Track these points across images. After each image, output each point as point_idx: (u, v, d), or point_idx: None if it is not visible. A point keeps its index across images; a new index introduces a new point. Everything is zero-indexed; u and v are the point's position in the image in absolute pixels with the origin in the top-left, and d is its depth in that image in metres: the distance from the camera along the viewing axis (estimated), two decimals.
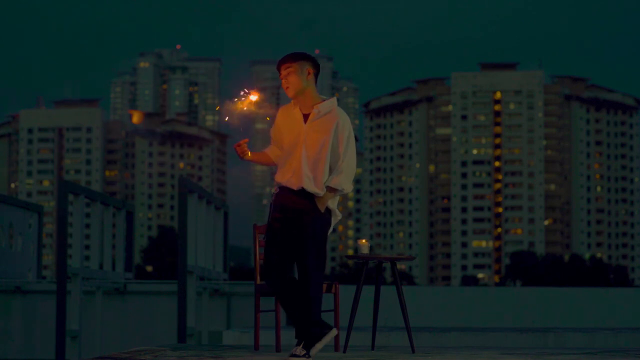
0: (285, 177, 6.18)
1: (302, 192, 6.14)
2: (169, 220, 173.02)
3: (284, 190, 6.22)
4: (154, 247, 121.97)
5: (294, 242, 6.12)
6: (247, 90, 6.35)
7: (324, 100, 6.20)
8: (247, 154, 6.37)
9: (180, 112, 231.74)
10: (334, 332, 6.13)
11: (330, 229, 6.28)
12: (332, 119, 6.14)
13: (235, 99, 6.33)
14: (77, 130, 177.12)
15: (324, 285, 6.81)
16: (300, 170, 6.12)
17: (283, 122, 6.27)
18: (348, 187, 6.16)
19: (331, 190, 6.14)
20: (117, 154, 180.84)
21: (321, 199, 6.13)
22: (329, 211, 6.22)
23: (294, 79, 6.15)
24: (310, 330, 6.07)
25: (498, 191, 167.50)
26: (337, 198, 6.25)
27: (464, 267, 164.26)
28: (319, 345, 6.09)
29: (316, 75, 6.22)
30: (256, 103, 6.34)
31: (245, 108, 6.32)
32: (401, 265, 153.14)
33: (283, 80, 6.22)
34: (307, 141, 6.13)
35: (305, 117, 6.18)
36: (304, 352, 6.06)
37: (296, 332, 6.18)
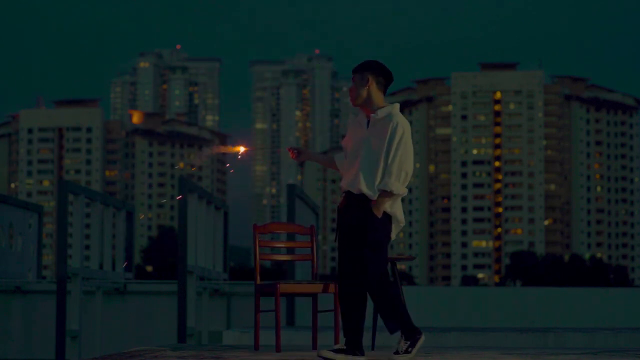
0: (347, 182, 6.32)
1: (362, 196, 6.24)
2: (169, 221, 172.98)
3: (348, 195, 6.33)
4: (154, 247, 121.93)
5: (359, 246, 6.24)
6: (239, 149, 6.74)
7: (386, 106, 6.33)
8: (302, 155, 6.62)
9: (180, 112, 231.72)
10: (422, 339, 6.30)
11: (393, 235, 6.33)
12: (389, 121, 6.25)
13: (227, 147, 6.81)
14: (77, 130, 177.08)
15: (326, 285, 6.80)
16: (359, 175, 6.23)
17: (351, 131, 6.43)
18: (398, 189, 6.17)
19: (384, 193, 6.18)
20: (117, 154, 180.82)
21: (377, 204, 6.19)
22: (388, 217, 6.26)
23: (353, 90, 6.36)
24: (406, 330, 6.22)
25: (498, 191, 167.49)
26: (399, 203, 6.29)
27: (464, 267, 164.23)
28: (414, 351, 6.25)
29: (382, 83, 6.33)
30: (241, 153, 6.72)
31: (229, 151, 6.76)
32: (401, 265, 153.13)
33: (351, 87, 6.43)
34: (366, 146, 6.25)
35: (369, 122, 6.32)
36: (407, 344, 6.21)
37: (346, 342, 6.28)
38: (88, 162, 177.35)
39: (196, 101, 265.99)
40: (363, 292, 6.26)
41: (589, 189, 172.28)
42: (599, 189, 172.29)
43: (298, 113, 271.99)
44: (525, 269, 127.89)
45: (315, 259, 7.39)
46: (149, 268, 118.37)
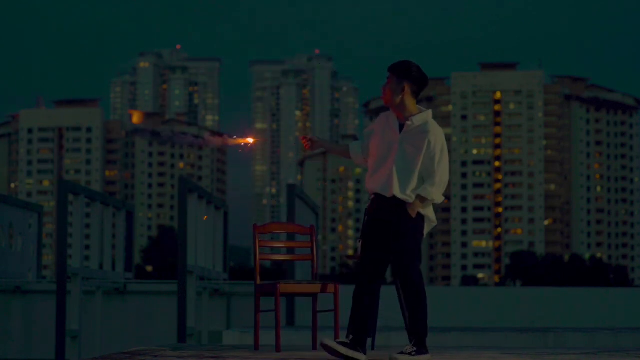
0: (378, 185, 6.37)
1: (394, 199, 6.31)
2: (169, 221, 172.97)
3: (377, 197, 6.39)
4: (154, 247, 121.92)
5: (388, 247, 6.31)
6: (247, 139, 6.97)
7: (420, 112, 6.37)
8: (315, 145, 6.70)
9: (180, 112, 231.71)
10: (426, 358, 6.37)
11: (425, 235, 6.44)
12: (425, 132, 6.31)
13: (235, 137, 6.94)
14: (77, 130, 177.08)
15: (326, 285, 6.79)
16: (392, 178, 6.30)
17: (379, 128, 6.46)
18: (439, 199, 6.33)
19: (422, 199, 6.31)
20: (117, 154, 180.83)
21: (412, 205, 6.29)
22: (422, 217, 6.37)
23: (387, 90, 6.38)
24: (419, 333, 6.31)
25: (498, 191, 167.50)
26: (431, 205, 6.41)
27: (464, 267, 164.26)
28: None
29: (416, 91, 6.37)
30: (250, 144, 6.91)
31: (240, 142, 6.94)
32: None
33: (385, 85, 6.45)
34: (400, 151, 6.32)
35: (401, 127, 6.36)
36: (415, 349, 6.28)
37: (351, 336, 6.33)
38: (88, 162, 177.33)
39: (196, 101, 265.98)
40: (377, 293, 6.39)
41: (589, 189, 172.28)
42: (599, 189, 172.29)
43: (298, 113, 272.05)
44: (525, 269, 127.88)
45: (315, 259, 7.39)
46: (149, 268, 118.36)
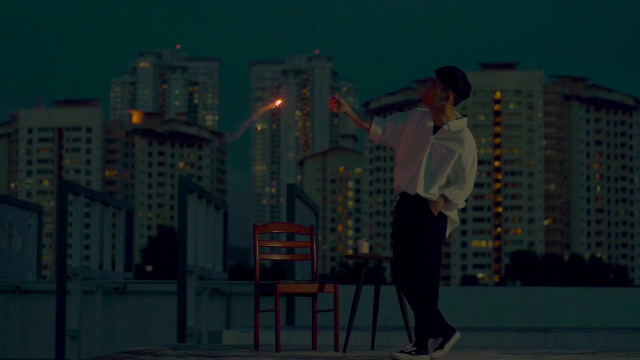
0: (404, 182, 6.47)
1: (417, 197, 6.41)
2: (169, 220, 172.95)
3: (404, 196, 6.48)
4: (154, 247, 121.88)
5: (414, 246, 6.39)
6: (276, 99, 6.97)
7: (457, 119, 6.47)
8: (341, 107, 6.74)
9: (180, 112, 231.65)
10: (456, 336, 6.51)
11: (447, 234, 6.52)
12: (460, 140, 6.43)
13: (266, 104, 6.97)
14: (77, 130, 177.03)
15: (326, 285, 6.77)
16: (418, 177, 6.40)
17: (413, 123, 6.52)
18: (462, 203, 6.46)
19: (445, 199, 6.42)
20: (117, 154, 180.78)
21: (435, 203, 6.39)
22: (444, 217, 6.46)
23: (432, 94, 6.44)
24: (422, 332, 6.32)
25: (498, 191, 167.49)
26: (455, 207, 6.50)
27: (464, 267, 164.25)
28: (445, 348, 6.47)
29: (459, 100, 6.45)
30: (277, 107, 6.94)
31: (271, 108, 6.94)
32: None
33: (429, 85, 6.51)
34: (431, 152, 6.41)
35: (436, 129, 6.45)
36: (415, 349, 6.30)
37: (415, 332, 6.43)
38: (88, 162, 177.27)
39: (196, 101, 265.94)
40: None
41: (589, 189, 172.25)
42: (599, 189, 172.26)
43: (298, 113, 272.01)
44: (525, 269, 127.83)
45: (315, 259, 7.39)
46: (149, 268, 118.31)
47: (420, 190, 6.37)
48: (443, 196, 6.38)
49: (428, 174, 6.39)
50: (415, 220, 6.37)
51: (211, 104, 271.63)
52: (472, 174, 6.43)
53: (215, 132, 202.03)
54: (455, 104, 6.44)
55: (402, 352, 6.27)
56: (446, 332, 6.48)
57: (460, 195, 6.40)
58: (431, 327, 6.31)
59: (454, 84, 6.38)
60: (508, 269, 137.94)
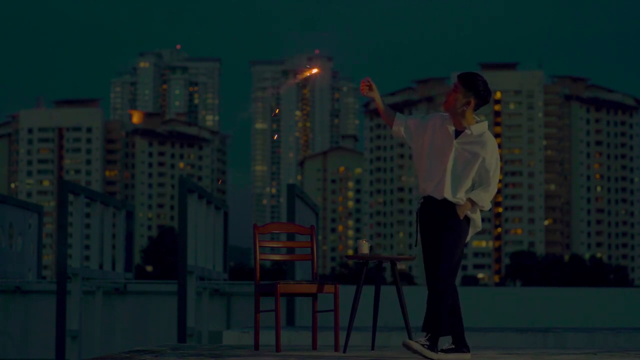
0: (430, 188, 6.55)
1: (445, 202, 6.51)
2: (169, 220, 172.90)
3: (428, 200, 6.57)
4: (154, 247, 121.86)
5: (439, 248, 6.52)
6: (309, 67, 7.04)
7: (477, 123, 6.55)
8: (372, 92, 6.77)
9: (180, 112, 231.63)
10: (466, 355, 6.54)
11: (468, 238, 6.64)
12: (483, 143, 6.53)
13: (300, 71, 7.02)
14: (77, 130, 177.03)
15: (326, 285, 6.78)
16: (444, 182, 6.51)
17: (433, 127, 6.59)
18: (488, 205, 6.61)
19: (472, 202, 6.55)
20: (117, 154, 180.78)
21: (461, 207, 6.51)
22: (468, 220, 6.58)
23: (453, 98, 6.51)
24: (433, 330, 6.41)
25: (498, 191, 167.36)
26: (478, 210, 6.63)
27: (464, 267, 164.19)
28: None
29: (479, 105, 6.54)
30: (313, 74, 7.00)
31: (306, 75, 7.01)
32: (401, 266, 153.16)
33: (450, 90, 6.57)
34: (455, 156, 6.52)
35: (457, 133, 6.54)
36: (427, 343, 6.38)
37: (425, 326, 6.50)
38: (88, 162, 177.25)
39: (196, 101, 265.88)
40: (455, 289, 6.58)
41: (589, 189, 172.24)
42: (599, 189, 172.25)
43: (298, 113, 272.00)
44: (525, 269, 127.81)
45: (315, 259, 7.39)
46: (149, 268, 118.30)
47: (448, 195, 6.47)
48: (469, 199, 6.50)
49: (454, 178, 6.49)
50: (442, 224, 6.49)
51: (211, 104, 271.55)
52: (495, 175, 6.56)
53: (215, 132, 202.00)
54: (476, 109, 6.53)
55: (416, 341, 6.37)
56: (460, 343, 6.54)
57: (486, 197, 6.55)
58: (443, 326, 6.40)
59: (475, 89, 6.47)
60: (508, 269, 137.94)
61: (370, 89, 6.78)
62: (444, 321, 6.39)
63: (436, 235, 6.50)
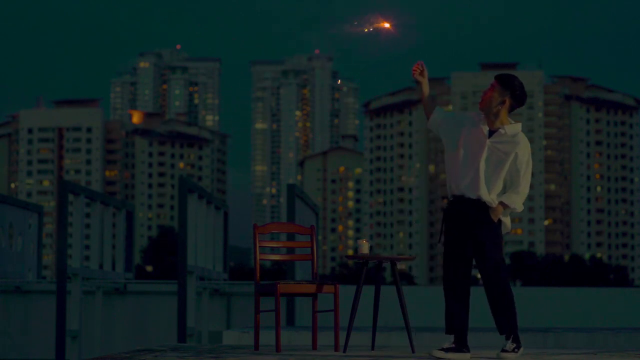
0: (462, 186, 6.53)
1: (478, 201, 6.51)
2: (169, 220, 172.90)
3: (458, 199, 6.55)
4: (154, 247, 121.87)
5: (470, 250, 6.53)
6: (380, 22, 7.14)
7: (512, 124, 6.58)
8: (421, 77, 6.78)
9: (180, 112, 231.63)
10: (466, 355, 6.60)
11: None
12: (516, 143, 6.55)
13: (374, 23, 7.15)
14: (77, 130, 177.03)
15: (326, 285, 6.78)
16: (478, 181, 6.50)
17: (469, 125, 6.60)
18: (520, 207, 6.63)
19: (504, 205, 6.55)
20: (117, 154, 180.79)
21: (494, 210, 6.51)
22: (499, 222, 6.60)
23: (489, 97, 6.57)
24: (511, 329, 6.52)
25: None
26: (509, 213, 6.66)
27: None
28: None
29: (514, 107, 6.58)
30: (384, 28, 7.11)
31: (380, 26, 7.15)
32: (401, 265, 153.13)
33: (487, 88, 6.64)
34: (488, 156, 6.52)
35: (491, 132, 6.55)
36: (514, 345, 6.51)
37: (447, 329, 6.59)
38: (88, 162, 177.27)
39: (196, 101, 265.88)
40: (469, 290, 6.65)
41: (589, 189, 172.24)
42: (599, 189, 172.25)
43: (298, 113, 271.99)
44: (525, 269, 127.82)
45: (315, 259, 7.39)
46: (149, 268, 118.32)
47: (484, 194, 6.47)
48: (501, 203, 6.50)
49: (488, 177, 6.50)
50: (475, 222, 6.48)
51: (211, 104, 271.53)
52: (526, 176, 6.58)
53: (215, 132, 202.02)
54: (511, 110, 6.54)
55: (505, 350, 6.49)
56: (461, 343, 6.57)
57: (518, 199, 6.56)
58: (514, 324, 6.52)
59: (511, 89, 6.53)
60: (508, 268, 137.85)
61: (422, 74, 6.76)
62: (516, 318, 6.53)
63: (466, 235, 6.48)
